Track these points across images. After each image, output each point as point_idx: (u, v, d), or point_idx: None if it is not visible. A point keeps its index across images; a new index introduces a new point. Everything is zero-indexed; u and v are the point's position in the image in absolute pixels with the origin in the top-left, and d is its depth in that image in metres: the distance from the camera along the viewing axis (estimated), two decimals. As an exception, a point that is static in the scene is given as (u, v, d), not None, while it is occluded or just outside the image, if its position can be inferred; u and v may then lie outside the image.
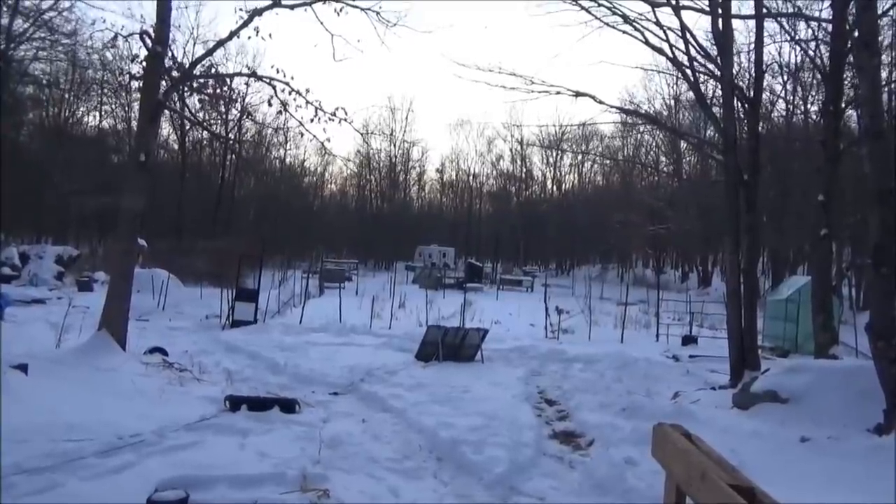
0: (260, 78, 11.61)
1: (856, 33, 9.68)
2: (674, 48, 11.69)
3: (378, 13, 11.41)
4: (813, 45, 15.25)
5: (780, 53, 29.58)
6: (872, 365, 6.99)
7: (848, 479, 5.57)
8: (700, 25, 42.68)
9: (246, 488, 4.87)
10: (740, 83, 14.27)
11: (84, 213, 31.17)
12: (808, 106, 30.79)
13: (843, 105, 12.21)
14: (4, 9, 25.37)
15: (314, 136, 11.49)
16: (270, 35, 10.86)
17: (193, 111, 12.61)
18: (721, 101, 11.87)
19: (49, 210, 33.56)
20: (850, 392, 7.23)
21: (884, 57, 13.56)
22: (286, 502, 4.78)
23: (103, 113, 43.65)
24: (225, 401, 7.51)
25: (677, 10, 11.30)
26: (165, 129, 41.04)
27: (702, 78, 12.91)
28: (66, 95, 39.13)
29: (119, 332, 9.90)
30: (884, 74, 13.50)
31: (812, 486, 5.30)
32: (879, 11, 10.15)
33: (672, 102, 42.00)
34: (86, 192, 29.84)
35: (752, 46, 12.24)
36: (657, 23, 11.55)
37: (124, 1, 30.51)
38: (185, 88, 11.53)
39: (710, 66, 12.16)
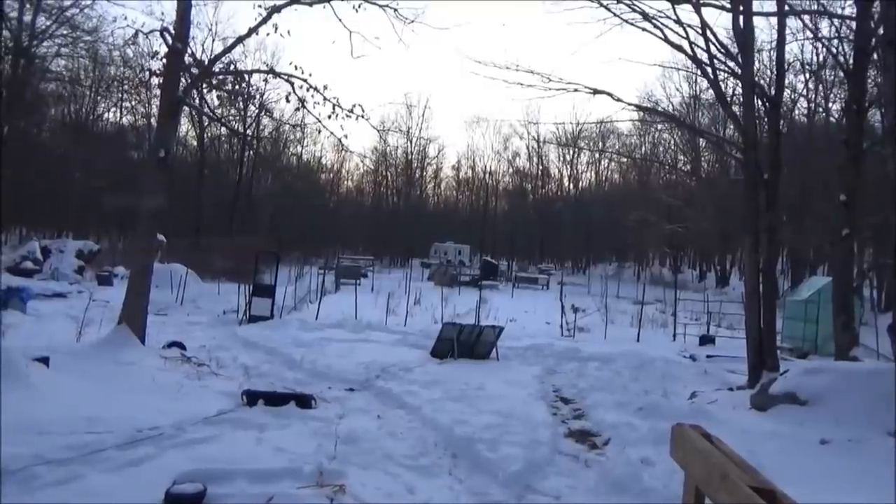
0: (278, 75, 11.69)
1: (881, 31, 9.53)
2: (694, 46, 11.58)
3: (396, 10, 11.44)
4: (836, 42, 15.06)
5: (802, 51, 29.31)
6: (894, 367, 6.90)
7: (868, 481, 5.50)
8: (720, 23, 42.47)
9: (263, 482, 4.91)
10: (761, 81, 14.12)
11: (104, 208, 31.59)
12: (830, 104, 30.47)
13: (867, 104, 12.01)
14: (28, 6, 25.73)
15: (332, 132, 11.58)
16: (289, 32, 10.93)
17: (212, 107, 12.72)
18: (741, 99, 11.74)
19: (70, 205, 34.01)
20: (871, 394, 7.13)
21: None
22: (303, 497, 4.80)
23: (124, 109, 44.24)
24: (242, 395, 7.55)
25: (698, 7, 11.19)
26: (184, 125, 41.45)
27: (722, 76, 12.77)
28: (88, 92, 39.63)
29: (138, 326, 10.02)
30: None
31: (832, 488, 5.24)
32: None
33: (691, 100, 41.67)
34: (106, 187, 30.23)
35: (774, 44, 12.09)
36: (677, 20, 11.45)
37: (145, -1, 30.75)
38: (205, 85, 11.64)
39: (731, 64, 12.04)
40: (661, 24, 11.44)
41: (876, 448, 6.32)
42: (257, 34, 10.97)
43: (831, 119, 29.45)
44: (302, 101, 10.98)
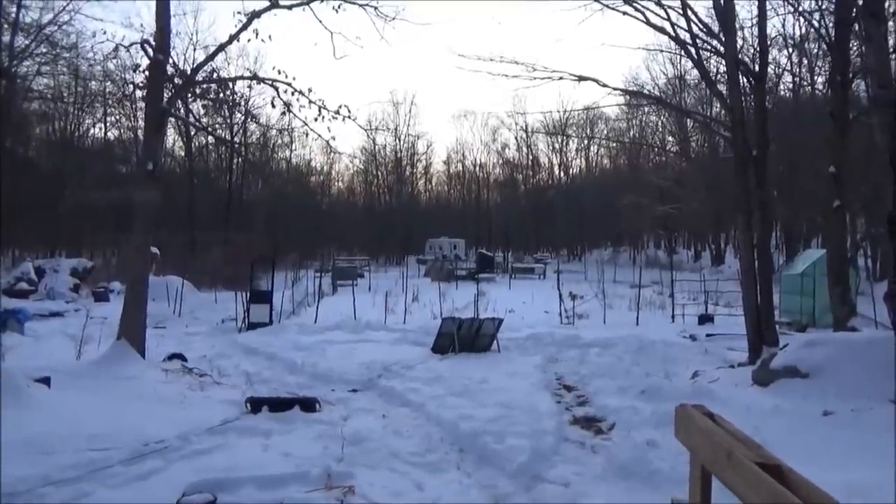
0: (262, 80, 11.64)
1: (860, 1, 9.55)
2: (675, 27, 11.59)
3: (376, 8, 11.39)
4: (817, 15, 15.06)
5: (783, 26, 29.21)
6: (893, 335, 6.94)
7: (873, 451, 5.52)
8: (701, 2, 42.33)
9: (272, 488, 4.91)
10: (745, 58, 14.13)
11: (96, 224, 31.44)
12: (815, 77, 30.55)
13: (851, 75, 12.04)
14: (5, 26, 25.53)
15: (319, 135, 11.56)
16: (270, 37, 10.87)
17: (198, 117, 12.66)
18: (726, 77, 11.76)
19: (61, 223, 33.84)
20: (872, 363, 7.16)
21: (890, 24, 13.33)
22: (312, 500, 4.81)
23: (109, 124, 43.96)
24: (246, 403, 7.56)
25: (677, -13, 11.20)
26: (170, 136, 41.24)
27: (706, 55, 12.80)
28: (71, 109, 39.36)
29: (138, 340, 9.99)
30: (891, 41, 13.28)
31: (836, 460, 5.28)
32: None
33: (676, 81, 41.72)
34: (96, 203, 30.08)
35: (756, 20, 12.10)
36: (658, 2, 11.46)
37: (124, 9, 30.63)
38: (189, 95, 11.57)
39: (714, 43, 12.05)
40: (642, 6, 11.46)
41: (878, 417, 6.35)
42: (238, 41, 10.91)
43: (816, 92, 29.53)
44: (287, 105, 10.94)
